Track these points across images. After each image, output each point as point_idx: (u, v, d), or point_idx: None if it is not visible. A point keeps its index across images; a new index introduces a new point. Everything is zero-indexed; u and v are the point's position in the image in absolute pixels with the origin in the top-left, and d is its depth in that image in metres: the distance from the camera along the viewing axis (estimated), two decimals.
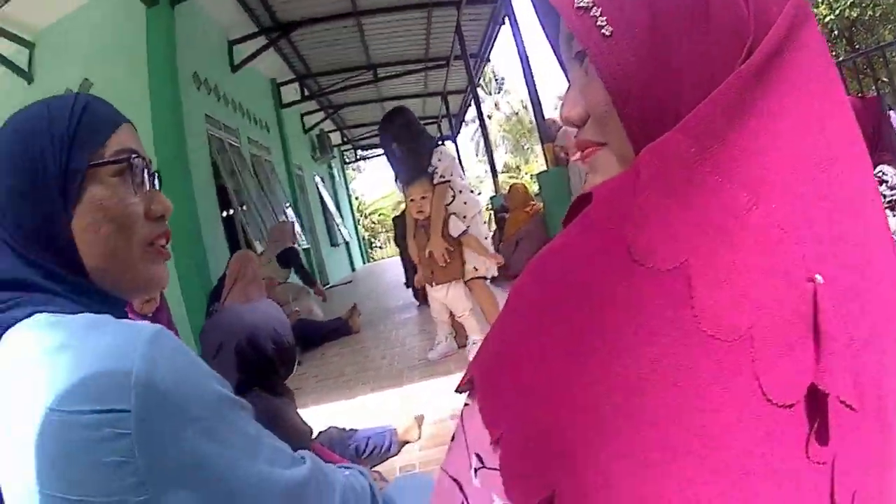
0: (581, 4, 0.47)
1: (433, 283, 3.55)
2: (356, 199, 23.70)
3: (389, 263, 14.53)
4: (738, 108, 0.42)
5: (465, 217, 3.50)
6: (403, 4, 8.34)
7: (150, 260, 0.73)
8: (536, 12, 0.58)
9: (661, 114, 0.46)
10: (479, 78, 12.32)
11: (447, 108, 13.15)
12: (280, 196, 9.62)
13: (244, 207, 7.82)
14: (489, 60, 11.33)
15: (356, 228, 16.61)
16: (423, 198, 3.46)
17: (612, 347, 0.39)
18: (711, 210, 0.40)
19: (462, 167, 3.77)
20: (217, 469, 0.58)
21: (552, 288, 0.44)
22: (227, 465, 0.59)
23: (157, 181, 0.78)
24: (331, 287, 10.39)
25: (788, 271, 0.39)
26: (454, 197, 3.55)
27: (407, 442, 2.36)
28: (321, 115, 13.16)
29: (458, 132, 16.82)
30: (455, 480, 0.48)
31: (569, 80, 0.56)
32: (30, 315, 0.59)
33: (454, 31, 8.58)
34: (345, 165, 17.91)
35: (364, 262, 17.61)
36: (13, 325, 0.58)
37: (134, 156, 0.72)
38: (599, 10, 0.47)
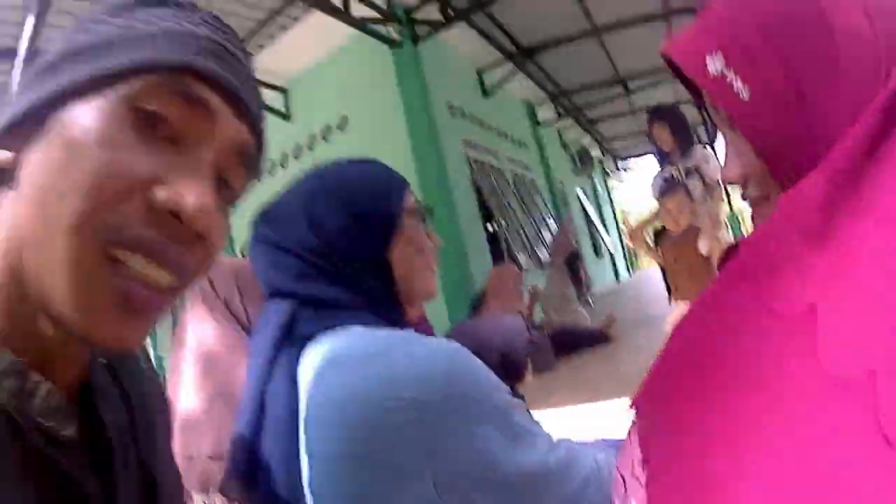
0: (713, 71, 0.49)
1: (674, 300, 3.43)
2: (621, 210, 23.24)
3: (657, 271, 13.99)
4: (876, 141, 0.40)
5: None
6: (640, 16, 8.13)
7: (433, 276, 0.94)
8: (680, 80, 0.61)
9: (811, 163, 0.43)
10: None
11: (701, 115, 12.37)
12: (542, 210, 9.91)
13: (506, 223, 8.19)
14: None
15: (620, 239, 16.32)
16: (680, 210, 3.30)
17: (742, 394, 0.40)
18: (845, 251, 0.38)
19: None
20: (494, 457, 0.72)
21: (699, 334, 0.47)
22: (505, 457, 0.73)
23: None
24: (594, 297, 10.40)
25: None
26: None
27: None
28: (579, 130, 13.26)
29: (715, 137, 15.64)
30: (622, 476, 0.54)
31: (725, 140, 0.57)
32: (349, 325, 0.78)
33: None
34: (607, 177, 17.75)
35: (630, 273, 17.22)
36: (337, 329, 0.77)
37: (420, 205, 0.93)
38: (733, 72, 0.47)
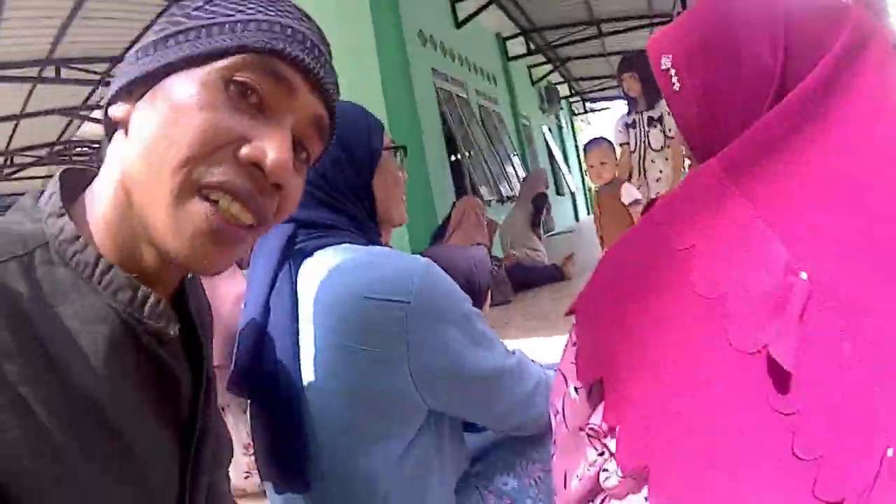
0: (664, 67, 0.67)
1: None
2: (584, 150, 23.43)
3: None
4: (759, 144, 0.57)
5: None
6: None
7: (404, 206, 1.10)
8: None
9: (715, 148, 0.61)
10: None
11: None
12: (507, 145, 9.92)
13: (471, 154, 8.21)
14: None
15: (583, 179, 16.48)
16: (602, 163, 3.51)
17: (636, 300, 0.61)
18: (723, 212, 0.57)
19: None
20: (460, 355, 0.88)
21: (618, 262, 0.66)
22: (469, 357, 0.89)
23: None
24: (554, 234, 10.56)
25: (769, 265, 0.53)
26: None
27: None
28: (549, 67, 13.16)
29: None
30: (563, 375, 0.71)
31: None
32: (339, 242, 0.92)
33: None
34: (573, 117, 17.76)
35: (588, 213, 17.50)
36: (330, 246, 0.91)
37: (393, 143, 1.07)
38: (674, 71, 0.65)
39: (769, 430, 0.50)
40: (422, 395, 0.88)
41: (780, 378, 0.50)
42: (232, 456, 0.79)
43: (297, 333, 0.88)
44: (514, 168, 9.84)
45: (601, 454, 0.65)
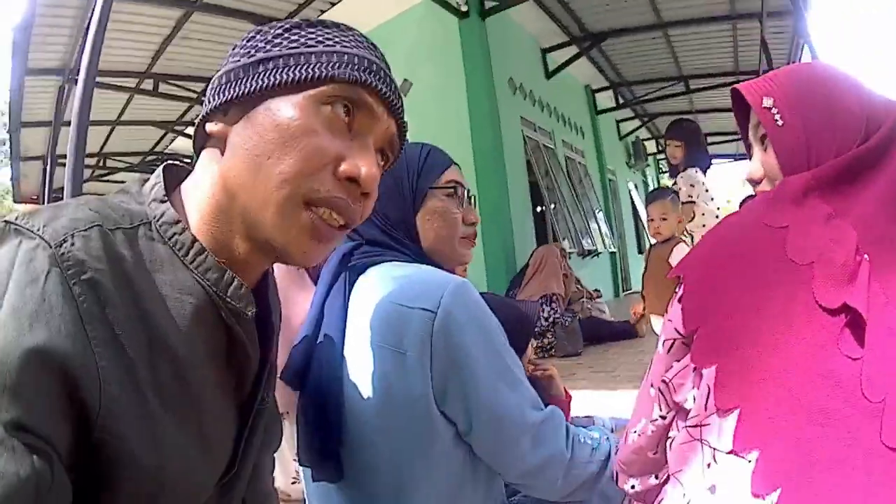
0: (766, 105, 0.85)
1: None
2: None
3: None
4: (845, 169, 0.77)
5: None
6: (707, 17, 7.96)
7: (464, 246, 1.18)
8: (734, 109, 0.98)
9: (804, 171, 0.81)
10: None
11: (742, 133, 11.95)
12: (592, 199, 9.87)
13: (555, 206, 8.20)
14: None
15: None
16: (663, 218, 3.15)
17: (734, 265, 0.78)
18: (807, 206, 0.76)
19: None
20: (476, 375, 0.93)
21: (720, 240, 0.84)
22: (486, 382, 0.93)
23: (472, 201, 1.23)
24: (632, 293, 10.35)
25: (843, 246, 0.70)
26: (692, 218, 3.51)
27: None
28: (636, 122, 13.08)
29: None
30: (652, 386, 0.87)
31: (749, 154, 0.96)
32: (390, 260, 1.05)
33: (759, 44, 7.89)
34: (660, 174, 17.46)
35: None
36: (380, 263, 1.04)
37: (457, 184, 1.16)
38: (777, 110, 0.84)
39: (842, 375, 0.64)
40: (439, 406, 0.93)
41: (856, 330, 0.65)
42: (280, 443, 0.89)
43: (344, 337, 0.99)
44: (598, 223, 9.75)
45: (663, 417, 0.85)
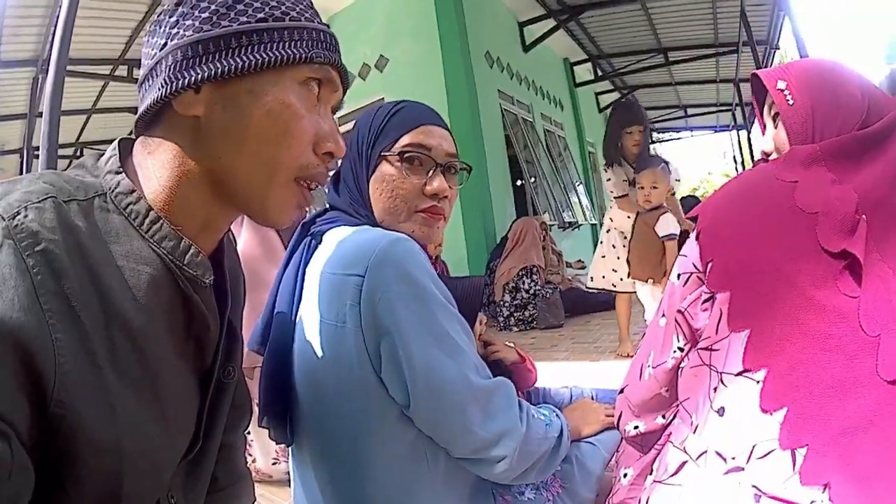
0: (780, 87, 0.96)
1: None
2: None
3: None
4: (849, 146, 0.86)
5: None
6: None
7: (418, 222, 1.05)
8: (753, 90, 1.09)
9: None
10: (769, 65, 11.04)
11: (740, 97, 12.01)
12: (572, 171, 9.88)
13: (534, 180, 8.22)
14: (778, 48, 10.11)
15: None
16: (653, 187, 3.14)
17: (748, 213, 0.87)
18: (814, 169, 0.85)
19: None
20: (406, 340, 0.86)
21: (735, 188, 0.93)
22: (420, 349, 0.87)
23: (455, 170, 1.13)
24: None
25: (845, 205, 0.79)
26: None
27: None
28: (616, 95, 13.04)
29: (754, 122, 15.25)
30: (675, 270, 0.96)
31: (764, 130, 1.06)
32: (342, 225, 1.01)
33: (739, 16, 7.86)
34: None
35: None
36: (333, 229, 1.01)
37: (416, 149, 1.04)
38: (789, 91, 0.95)
39: (843, 308, 0.73)
40: (376, 373, 0.89)
41: (853, 273, 0.75)
42: (249, 421, 0.90)
43: (296, 306, 0.99)
44: (578, 195, 9.78)
45: (681, 349, 0.92)
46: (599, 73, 11.46)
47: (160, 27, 0.65)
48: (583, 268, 6.67)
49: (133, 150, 0.68)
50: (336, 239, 0.97)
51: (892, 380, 0.67)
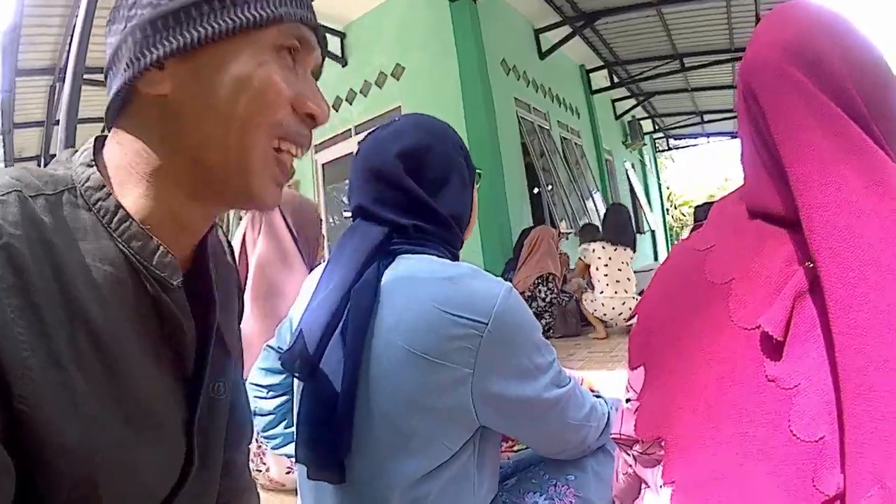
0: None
1: None
2: (667, 188, 22.83)
3: None
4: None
5: None
6: None
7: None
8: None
9: None
10: None
11: None
12: (589, 179, 9.83)
13: (551, 187, 8.18)
14: None
15: (664, 217, 16.09)
16: None
17: (669, 297, 0.76)
18: (744, 226, 0.71)
19: None
20: (523, 387, 0.93)
21: (662, 269, 0.81)
22: (532, 385, 0.94)
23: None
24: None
25: (775, 258, 0.63)
26: None
27: None
28: (632, 102, 13.00)
29: None
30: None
31: None
32: (427, 253, 0.99)
33: (754, 21, 7.79)
34: (656, 154, 17.41)
35: (668, 252, 17.03)
36: (412, 254, 0.99)
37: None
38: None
39: (766, 399, 0.58)
40: (477, 413, 0.91)
41: (775, 349, 0.58)
42: (251, 438, 0.83)
43: (368, 330, 0.91)
44: (595, 203, 9.73)
45: (635, 458, 0.76)
46: (615, 80, 11.41)
47: (119, 12, 0.62)
48: None
49: (105, 144, 0.65)
50: (429, 270, 0.95)
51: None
